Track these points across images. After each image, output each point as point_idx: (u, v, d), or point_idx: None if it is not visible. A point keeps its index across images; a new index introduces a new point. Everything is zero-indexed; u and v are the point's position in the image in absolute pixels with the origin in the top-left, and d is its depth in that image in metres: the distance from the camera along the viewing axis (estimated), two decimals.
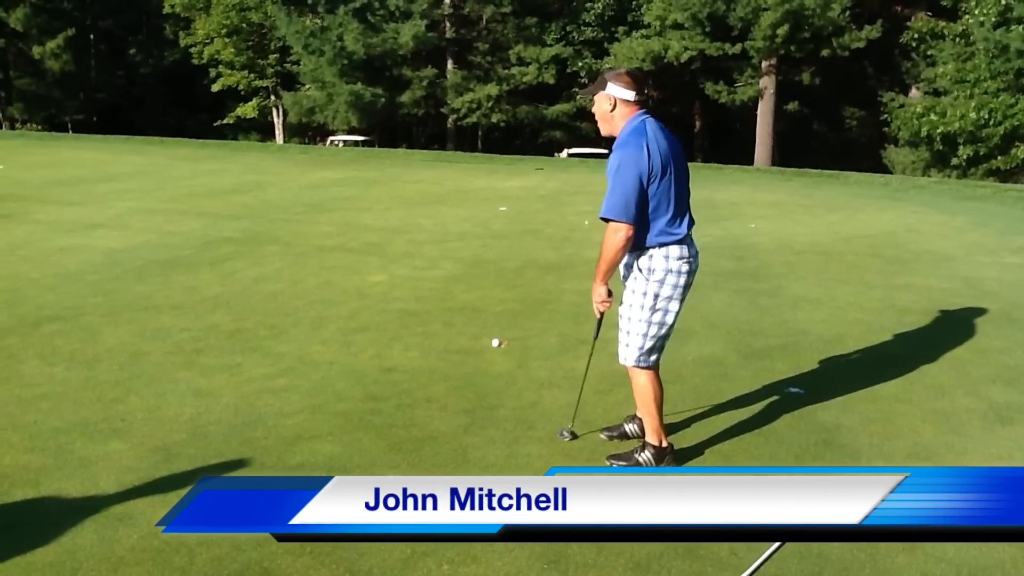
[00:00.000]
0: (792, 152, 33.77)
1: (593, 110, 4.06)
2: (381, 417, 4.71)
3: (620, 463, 4.15)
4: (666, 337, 4.11)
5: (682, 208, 3.99)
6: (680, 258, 3.97)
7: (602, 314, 4.19)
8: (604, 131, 4.08)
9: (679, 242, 3.97)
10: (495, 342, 5.99)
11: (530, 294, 7.54)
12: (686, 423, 4.68)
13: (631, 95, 3.96)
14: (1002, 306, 7.35)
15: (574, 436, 4.41)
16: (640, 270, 3.98)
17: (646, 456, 4.14)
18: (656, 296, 3.98)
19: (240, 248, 9.39)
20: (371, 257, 9.09)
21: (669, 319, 4.04)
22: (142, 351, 5.77)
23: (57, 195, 14.02)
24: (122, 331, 6.21)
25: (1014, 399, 5.14)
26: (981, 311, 7.19)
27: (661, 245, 3.93)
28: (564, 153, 32.44)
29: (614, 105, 3.98)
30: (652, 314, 4.00)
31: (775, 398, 5.08)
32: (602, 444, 4.38)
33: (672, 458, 4.18)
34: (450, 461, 4.20)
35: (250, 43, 41.31)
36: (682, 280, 3.99)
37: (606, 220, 3.88)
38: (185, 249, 9.28)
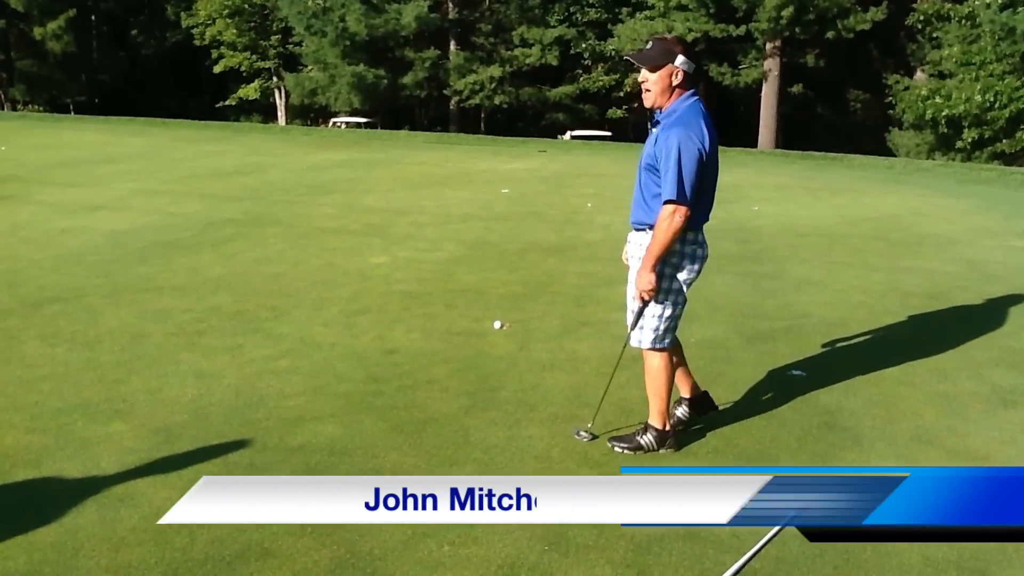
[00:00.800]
0: (796, 135, 33.66)
1: (644, 79, 3.88)
2: (382, 399, 4.70)
3: (622, 445, 4.14)
4: (679, 318, 4.11)
5: (712, 197, 3.99)
6: (694, 243, 3.97)
7: (645, 302, 4.00)
8: (654, 102, 3.90)
9: (696, 229, 3.97)
10: (497, 324, 5.97)
11: (532, 276, 7.52)
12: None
13: (692, 68, 3.86)
14: (1006, 289, 7.32)
15: (594, 437, 4.25)
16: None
17: (648, 439, 4.13)
18: (672, 279, 3.98)
19: (242, 230, 9.37)
20: (373, 239, 9.07)
21: (681, 300, 4.04)
22: (143, 332, 5.76)
23: (59, 176, 13.99)
24: (124, 312, 6.21)
25: (1017, 382, 5.12)
26: (985, 295, 7.16)
27: (683, 230, 3.89)
28: (567, 135, 32.34)
29: (683, 79, 3.85)
30: (667, 296, 3.99)
31: (778, 381, 5.07)
32: (605, 430, 4.34)
33: (674, 441, 4.16)
34: (451, 443, 4.20)
35: (252, 24, 41.17)
36: (696, 265, 4.00)
37: (668, 203, 3.76)
38: (187, 231, 9.26)
